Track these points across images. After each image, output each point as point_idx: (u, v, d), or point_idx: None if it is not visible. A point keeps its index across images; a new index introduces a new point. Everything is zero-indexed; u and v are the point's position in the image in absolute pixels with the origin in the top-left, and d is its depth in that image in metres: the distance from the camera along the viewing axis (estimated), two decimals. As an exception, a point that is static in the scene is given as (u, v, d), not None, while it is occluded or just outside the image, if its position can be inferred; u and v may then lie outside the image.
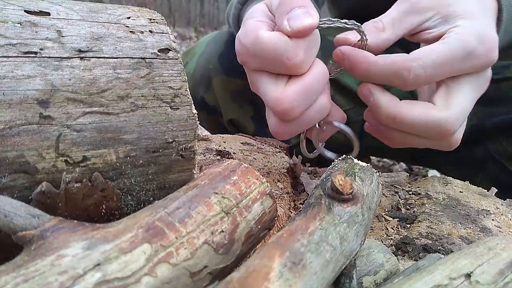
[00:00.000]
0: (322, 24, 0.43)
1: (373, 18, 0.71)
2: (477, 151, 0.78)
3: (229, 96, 0.85)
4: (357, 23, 0.45)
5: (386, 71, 0.44)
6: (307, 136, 0.51)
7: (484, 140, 0.76)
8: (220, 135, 0.71)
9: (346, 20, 0.44)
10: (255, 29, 0.43)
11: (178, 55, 0.34)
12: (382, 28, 0.48)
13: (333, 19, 0.43)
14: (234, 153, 0.60)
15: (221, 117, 0.89)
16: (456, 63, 0.44)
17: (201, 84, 0.87)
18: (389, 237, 0.47)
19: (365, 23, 0.49)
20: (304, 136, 0.50)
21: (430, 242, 0.45)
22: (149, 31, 0.33)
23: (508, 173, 0.74)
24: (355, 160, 0.38)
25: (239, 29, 0.52)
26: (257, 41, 0.42)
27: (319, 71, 0.43)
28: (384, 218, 0.51)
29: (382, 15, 0.49)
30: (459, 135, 0.48)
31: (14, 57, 0.27)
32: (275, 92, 0.42)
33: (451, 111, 0.45)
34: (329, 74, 0.49)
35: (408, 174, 0.65)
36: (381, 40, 0.47)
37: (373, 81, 0.46)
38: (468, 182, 0.62)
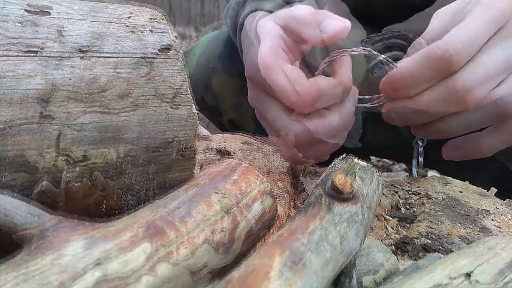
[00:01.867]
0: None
1: (375, 17, 0.69)
2: None
3: (229, 96, 0.85)
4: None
5: (423, 62, 0.40)
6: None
7: None
8: (220, 134, 0.71)
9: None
10: (274, 65, 0.42)
11: (179, 54, 0.34)
12: None
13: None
14: (234, 152, 0.60)
15: (221, 117, 0.89)
16: (490, 27, 0.38)
17: (201, 84, 0.87)
18: (389, 237, 0.47)
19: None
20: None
21: (429, 241, 0.45)
22: (150, 30, 0.33)
23: (508, 173, 0.74)
24: (356, 160, 0.38)
25: (235, 31, 0.50)
26: (279, 83, 0.42)
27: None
28: (384, 217, 0.51)
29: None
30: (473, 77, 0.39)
31: (15, 56, 0.27)
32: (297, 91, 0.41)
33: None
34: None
35: (408, 174, 0.65)
36: None
37: (422, 83, 0.41)
38: (467, 182, 0.62)
